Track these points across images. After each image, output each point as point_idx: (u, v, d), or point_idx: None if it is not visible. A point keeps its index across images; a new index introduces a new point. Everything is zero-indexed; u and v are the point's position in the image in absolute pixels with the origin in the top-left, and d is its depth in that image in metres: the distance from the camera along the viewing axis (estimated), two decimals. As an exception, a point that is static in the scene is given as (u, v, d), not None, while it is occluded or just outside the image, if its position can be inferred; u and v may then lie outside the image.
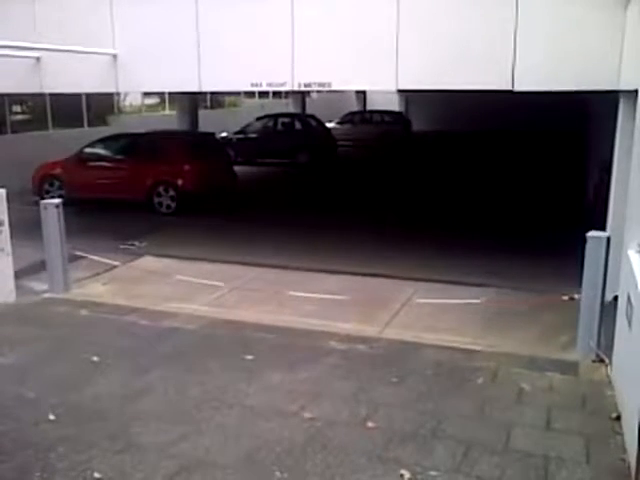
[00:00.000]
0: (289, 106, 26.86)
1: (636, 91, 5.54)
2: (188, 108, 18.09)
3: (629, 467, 4.18)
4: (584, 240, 5.85)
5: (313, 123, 22.95)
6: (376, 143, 25.57)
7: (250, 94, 28.43)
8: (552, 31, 6.99)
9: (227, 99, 29.28)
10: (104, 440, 4.60)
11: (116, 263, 9.23)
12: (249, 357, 6.02)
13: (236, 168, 15.81)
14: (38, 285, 8.15)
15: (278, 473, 4.22)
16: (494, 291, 7.92)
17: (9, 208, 7.56)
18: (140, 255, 9.75)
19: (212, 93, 24.54)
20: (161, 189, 13.33)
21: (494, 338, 6.55)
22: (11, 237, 7.58)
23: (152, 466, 4.30)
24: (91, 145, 14.31)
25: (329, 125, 25.27)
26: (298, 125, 22.58)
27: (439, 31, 7.53)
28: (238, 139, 21.25)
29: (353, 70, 8.11)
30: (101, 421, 4.88)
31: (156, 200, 13.35)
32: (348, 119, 28.26)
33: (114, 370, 5.78)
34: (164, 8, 8.74)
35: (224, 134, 21.06)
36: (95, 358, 5.99)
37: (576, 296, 5.94)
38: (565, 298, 6.08)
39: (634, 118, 5.65)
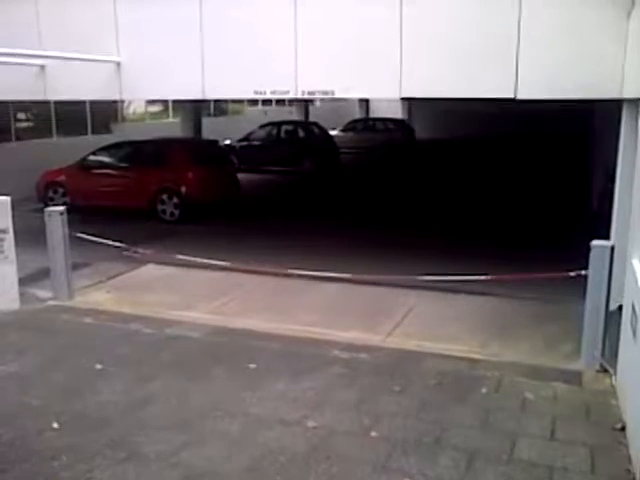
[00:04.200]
0: (293, 114, 26.92)
1: (639, 100, 5.54)
2: (192, 116, 18.12)
3: (634, 478, 4.16)
4: (588, 249, 5.84)
5: (316, 131, 22.99)
6: (379, 151, 25.60)
7: (253, 102, 28.52)
8: (555, 40, 6.99)
9: (230, 107, 29.35)
10: (107, 449, 4.60)
11: (120, 271, 9.26)
12: (252, 366, 6.02)
13: (239, 175, 15.81)
14: (42, 292, 8.16)
15: (281, 483, 4.21)
16: (497, 300, 7.91)
17: (13, 215, 7.58)
18: (143, 263, 9.76)
19: (215, 101, 24.61)
20: (165, 196, 13.34)
21: (497, 347, 6.54)
22: (15, 244, 7.59)
23: (155, 475, 4.30)
24: (95, 153, 14.35)
25: (332, 133, 25.31)
26: (301, 133, 22.61)
27: (442, 39, 7.54)
28: (241, 147, 21.28)
29: (356, 78, 8.11)
30: (104, 429, 4.88)
31: (160, 207, 13.38)
32: (351, 127, 28.30)
33: (117, 378, 5.78)
34: (168, 16, 8.76)
35: (227, 142, 21.11)
36: (99, 366, 6.00)
37: (583, 272, 5.88)
38: (572, 274, 6.02)
39: (637, 126, 5.64)
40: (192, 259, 8.37)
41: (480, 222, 12.81)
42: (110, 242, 8.58)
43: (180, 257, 8.53)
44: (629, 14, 6.50)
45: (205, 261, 8.26)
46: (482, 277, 6.88)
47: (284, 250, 10.17)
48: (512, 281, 7.14)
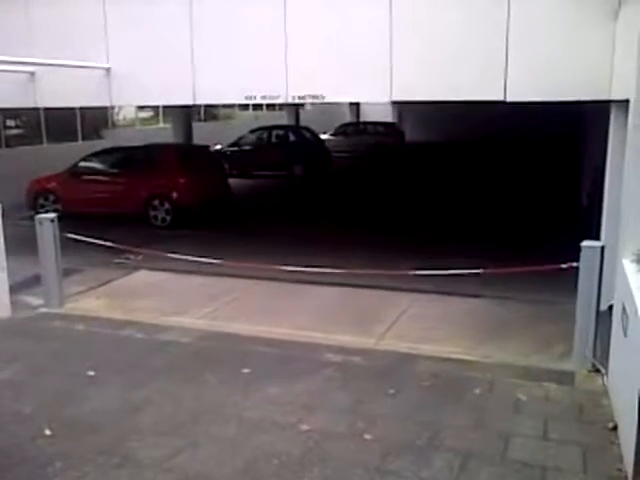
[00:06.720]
0: (283, 118, 26.94)
1: (627, 101, 5.59)
2: (182, 121, 18.12)
3: (626, 477, 4.18)
4: (579, 249, 5.88)
5: (307, 135, 23.01)
6: (370, 154, 25.68)
7: (244, 106, 28.56)
8: (544, 43, 7.05)
9: (221, 111, 29.36)
10: (100, 455, 4.58)
11: (111, 277, 9.25)
12: (246, 370, 6.01)
13: (231, 180, 15.83)
14: (33, 300, 8.12)
15: (276, 486, 4.21)
16: (489, 301, 7.94)
17: (3, 223, 7.55)
18: (135, 269, 9.75)
19: (206, 106, 24.62)
20: (156, 202, 13.32)
21: (490, 348, 6.55)
22: (6, 252, 7.56)
23: (149, 481, 4.29)
24: (85, 159, 14.32)
25: (323, 136, 25.35)
26: (292, 137, 22.63)
27: (432, 43, 7.58)
28: (232, 151, 21.28)
29: (347, 82, 8.15)
30: (97, 436, 4.86)
31: (151, 213, 13.36)
32: (342, 130, 28.38)
33: (110, 384, 5.76)
34: (158, 22, 8.77)
35: (218, 146, 21.09)
36: (91, 372, 5.98)
37: (574, 264, 5.92)
38: (564, 266, 6.05)
39: (626, 127, 5.69)
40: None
41: (472, 221, 12.86)
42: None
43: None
44: (616, 15, 6.55)
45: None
46: (475, 271, 6.90)
47: (275, 255, 10.16)
48: (506, 274, 7.15)
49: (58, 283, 7.93)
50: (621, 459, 4.42)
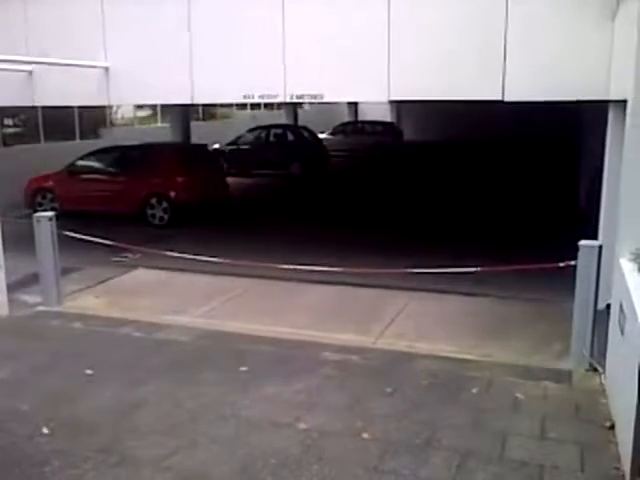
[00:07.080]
0: (281, 117, 26.95)
1: (625, 101, 5.59)
2: (180, 120, 18.10)
3: (623, 476, 4.19)
4: (576, 248, 5.88)
5: (305, 134, 23.02)
6: (368, 153, 25.70)
7: (242, 105, 28.56)
8: (542, 42, 7.05)
9: (219, 110, 29.35)
10: (98, 454, 4.58)
11: (109, 276, 9.24)
12: (243, 369, 6.01)
13: (228, 179, 15.83)
14: (31, 298, 8.11)
15: (274, 485, 4.21)
16: (487, 300, 7.96)
17: (2, 221, 7.54)
18: (133, 267, 9.74)
19: (204, 105, 24.60)
20: (154, 201, 13.31)
21: (488, 347, 6.56)
22: (3, 250, 7.55)
23: None
24: (83, 158, 14.31)
25: (321, 136, 25.34)
26: (290, 136, 22.63)
27: (430, 42, 7.58)
28: (230, 150, 21.27)
29: (345, 82, 8.14)
30: (95, 434, 4.86)
31: (149, 212, 13.34)
32: (340, 130, 28.40)
33: (108, 383, 5.76)
34: (156, 21, 8.76)
35: (216, 145, 21.08)
36: (89, 371, 5.97)
37: (572, 263, 5.93)
38: (562, 265, 6.07)
39: (624, 127, 5.69)
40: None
41: (471, 221, 12.86)
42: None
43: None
44: (614, 15, 6.56)
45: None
46: (473, 269, 6.92)
47: (273, 254, 10.15)
48: (503, 272, 7.17)
49: (56, 281, 7.92)
50: (619, 458, 4.43)
